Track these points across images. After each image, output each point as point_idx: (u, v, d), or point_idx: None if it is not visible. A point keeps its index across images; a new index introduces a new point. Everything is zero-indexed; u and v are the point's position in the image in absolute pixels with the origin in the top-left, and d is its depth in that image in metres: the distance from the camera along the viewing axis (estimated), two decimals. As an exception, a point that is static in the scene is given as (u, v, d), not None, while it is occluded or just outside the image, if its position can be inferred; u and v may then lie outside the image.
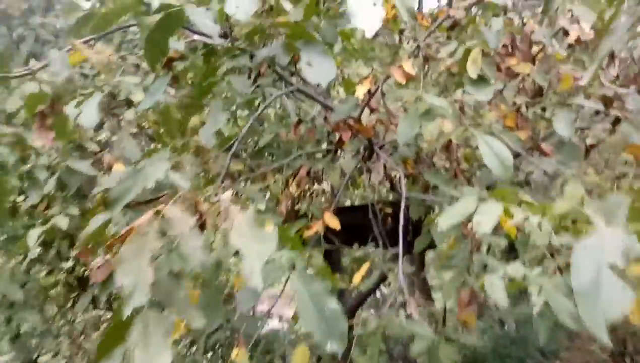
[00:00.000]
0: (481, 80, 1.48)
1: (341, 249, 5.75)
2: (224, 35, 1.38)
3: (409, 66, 1.49)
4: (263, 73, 1.59)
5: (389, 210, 3.01)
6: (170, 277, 0.95)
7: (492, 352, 6.35)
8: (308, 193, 2.53)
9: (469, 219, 1.37)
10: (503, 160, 1.37)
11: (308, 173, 2.53)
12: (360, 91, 1.57)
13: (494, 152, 1.39)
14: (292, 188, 2.57)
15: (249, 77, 1.69)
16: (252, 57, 1.36)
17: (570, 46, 2.06)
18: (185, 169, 1.39)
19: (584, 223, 1.20)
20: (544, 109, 2.11)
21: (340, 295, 5.40)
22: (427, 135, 1.83)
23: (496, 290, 1.21)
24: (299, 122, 2.05)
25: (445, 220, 1.37)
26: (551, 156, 2.35)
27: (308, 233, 2.12)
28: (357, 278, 1.94)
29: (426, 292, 7.56)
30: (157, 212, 0.93)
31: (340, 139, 2.30)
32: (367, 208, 2.91)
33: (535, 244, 1.46)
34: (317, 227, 2.11)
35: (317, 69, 1.23)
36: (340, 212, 3.29)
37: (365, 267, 1.98)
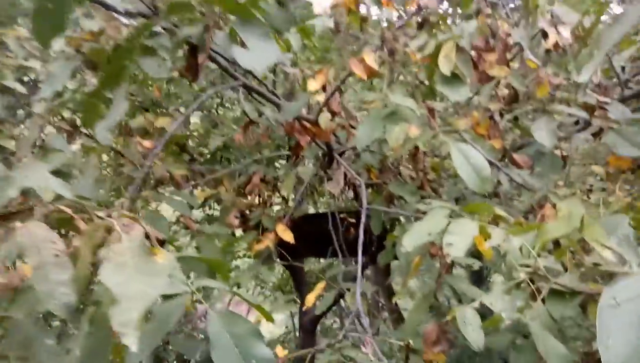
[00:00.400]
0: (455, 78, 1.26)
1: (305, 260, 5.50)
2: (148, 11, 1.11)
3: (371, 60, 1.25)
4: (201, 63, 1.32)
5: (352, 219, 2.78)
6: (31, 321, 0.67)
7: (456, 361, 6.19)
8: (261, 202, 2.27)
9: (439, 238, 1.14)
10: (479, 171, 1.15)
11: (262, 180, 2.27)
12: (313, 86, 1.33)
13: (470, 162, 1.17)
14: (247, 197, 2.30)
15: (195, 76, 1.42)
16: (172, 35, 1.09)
17: (547, 51, 1.87)
18: (88, 172, 1.10)
19: (576, 246, 0.98)
20: (516, 118, 1.92)
21: (302, 305, 5.15)
22: (391, 142, 1.60)
23: (470, 328, 0.97)
24: (249, 123, 1.79)
25: (409, 240, 1.14)
26: (525, 167, 2.16)
27: (258, 247, 1.85)
28: (309, 299, 1.68)
29: (391, 302, 7.36)
30: (11, 230, 0.65)
31: (297, 144, 2.05)
32: (334, 216, 2.68)
33: (514, 268, 1.24)
34: (268, 241, 1.84)
35: (254, 52, 0.97)
36: (306, 220, 3.04)
37: (320, 286, 1.73)
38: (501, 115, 1.75)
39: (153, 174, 2.29)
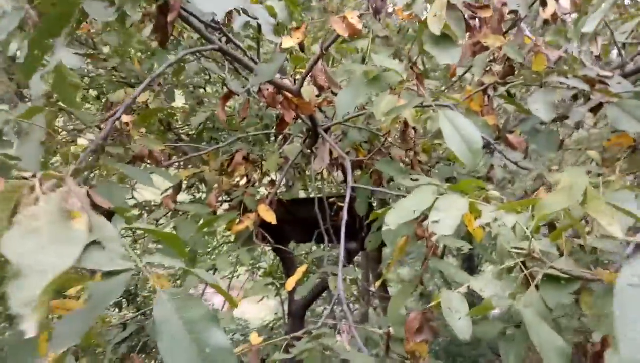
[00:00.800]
0: (445, 39, 1.14)
1: (295, 245, 5.39)
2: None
3: (354, 18, 1.13)
4: (171, 22, 1.19)
5: (342, 203, 2.67)
6: None
7: (443, 350, 6.15)
8: (246, 182, 2.15)
9: (425, 217, 1.04)
10: (470, 143, 1.03)
11: (246, 158, 2.15)
12: (288, 43, 1.20)
13: (460, 133, 1.05)
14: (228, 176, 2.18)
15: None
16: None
17: (545, 22, 1.75)
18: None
19: (578, 223, 0.87)
20: (510, 94, 1.81)
21: (293, 291, 5.06)
22: (378, 114, 1.49)
23: (457, 315, 0.86)
24: (228, 94, 1.66)
25: (393, 217, 1.02)
26: (519, 149, 2.05)
27: (238, 228, 1.74)
28: (290, 282, 1.57)
29: (383, 287, 7.30)
30: None
31: (282, 119, 1.92)
32: (322, 200, 2.58)
33: (504, 250, 1.14)
34: (248, 221, 1.73)
35: (215, -4, 0.85)
36: (295, 203, 2.92)
37: (302, 269, 1.62)
38: (495, 89, 1.63)
39: (131, 150, 2.17)
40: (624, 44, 2.01)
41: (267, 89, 1.59)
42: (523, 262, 1.16)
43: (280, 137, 2.70)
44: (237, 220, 1.74)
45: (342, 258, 1.38)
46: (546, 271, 0.98)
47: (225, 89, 2.32)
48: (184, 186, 2.76)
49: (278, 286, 5.79)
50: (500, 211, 0.96)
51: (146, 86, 2.71)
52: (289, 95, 1.56)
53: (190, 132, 3.36)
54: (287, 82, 1.53)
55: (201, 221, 1.85)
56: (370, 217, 1.18)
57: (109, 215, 0.80)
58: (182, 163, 2.96)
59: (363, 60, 1.19)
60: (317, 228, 2.59)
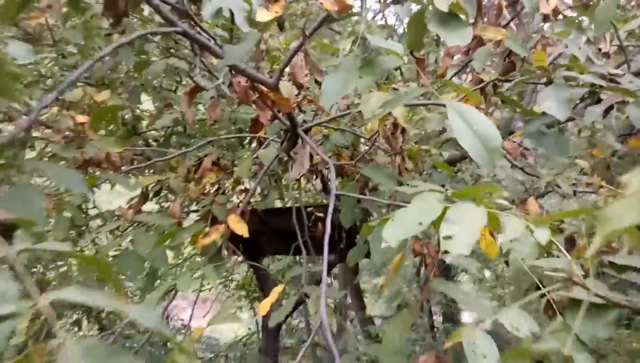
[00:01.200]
0: (453, 17, 0.94)
1: (270, 257, 5.12)
2: None
3: (345, -11, 0.92)
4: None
5: (321, 214, 2.45)
6: None
7: None
8: (214, 190, 1.90)
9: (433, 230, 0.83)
10: (486, 140, 0.83)
11: (215, 164, 1.90)
12: (264, 17, 0.98)
13: (473, 128, 0.84)
14: (196, 183, 1.93)
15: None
16: None
17: (545, 18, 1.58)
18: None
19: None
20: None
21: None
22: (367, 113, 1.28)
23: (484, 361, 0.65)
24: (195, 90, 1.43)
25: (392, 231, 0.81)
26: (513, 156, 1.87)
27: (204, 241, 1.49)
28: (264, 306, 1.33)
29: (360, 299, 7.10)
30: None
31: (256, 120, 1.70)
32: (300, 210, 2.36)
33: (520, 271, 0.93)
34: (216, 234, 1.48)
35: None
36: (270, 214, 2.68)
37: (278, 290, 1.39)
38: (495, 88, 1.45)
39: (84, 153, 1.89)
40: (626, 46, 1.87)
41: (239, 82, 1.36)
42: (539, 286, 0.96)
43: (255, 142, 2.46)
44: (204, 233, 1.50)
45: (325, 278, 1.15)
46: (583, 298, 0.78)
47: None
48: (150, 194, 2.50)
49: (251, 299, 5.50)
50: (530, 224, 0.75)
51: (105, 85, 2.44)
52: (265, 89, 1.34)
53: (159, 137, 3.09)
54: (262, 75, 1.30)
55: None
56: (361, 231, 0.95)
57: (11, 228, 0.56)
58: (147, 169, 2.71)
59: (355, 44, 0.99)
60: (293, 240, 2.36)
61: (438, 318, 6.40)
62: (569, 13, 1.58)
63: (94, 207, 3.39)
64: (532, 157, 2.56)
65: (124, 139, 2.88)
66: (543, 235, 0.73)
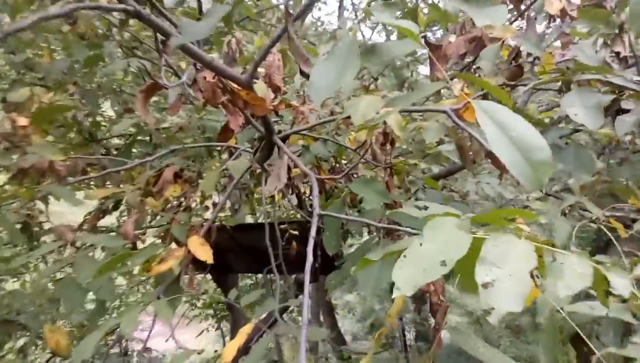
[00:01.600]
0: (480, -7, 0.73)
1: (240, 275, 4.81)
2: None
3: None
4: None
5: (295, 231, 2.22)
6: None
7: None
8: (174, 205, 1.63)
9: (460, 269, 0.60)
10: (528, 152, 0.61)
11: (178, 176, 1.63)
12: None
13: (509, 135, 0.62)
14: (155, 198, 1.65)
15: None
16: None
17: (550, 18, 1.41)
18: None
19: None
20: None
21: (234, 326, 4.43)
22: (357, 119, 1.05)
23: None
24: (153, 86, 1.17)
25: (406, 274, 0.58)
26: (505, 173, 1.68)
27: (158, 269, 1.22)
28: (228, 351, 1.07)
29: (332, 316, 6.83)
30: None
31: (226, 127, 1.45)
32: (273, 227, 2.12)
33: (556, 320, 0.72)
34: (172, 260, 1.21)
35: None
36: (239, 230, 2.42)
37: (245, 330, 1.13)
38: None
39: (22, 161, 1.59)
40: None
41: (205, 79, 1.11)
42: (573, 341, 0.75)
43: (225, 151, 2.20)
44: (159, 258, 1.22)
45: (307, 319, 0.90)
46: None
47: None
48: (110, 207, 2.20)
49: (219, 318, 5.15)
50: (601, 269, 0.53)
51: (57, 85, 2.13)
52: (236, 88, 1.09)
53: (121, 145, 2.78)
54: (233, 70, 1.06)
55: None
56: (359, 265, 0.72)
57: None
58: (106, 181, 2.40)
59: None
60: (265, 258, 2.13)
61: (410, 336, 6.20)
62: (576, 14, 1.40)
63: (47, 220, 3.05)
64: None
65: (80, 146, 2.57)
66: (623, 284, 0.51)
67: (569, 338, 0.75)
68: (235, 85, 1.10)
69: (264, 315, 1.36)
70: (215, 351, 5.56)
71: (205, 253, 1.25)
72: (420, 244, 0.62)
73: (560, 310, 0.74)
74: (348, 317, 7.07)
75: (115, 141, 2.90)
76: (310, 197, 2.19)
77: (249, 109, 1.11)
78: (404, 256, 0.61)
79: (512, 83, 1.20)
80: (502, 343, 4.99)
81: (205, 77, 1.09)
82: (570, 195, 1.23)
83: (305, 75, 0.87)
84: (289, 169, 1.32)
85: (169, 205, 1.71)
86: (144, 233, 1.82)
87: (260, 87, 1.26)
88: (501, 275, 0.53)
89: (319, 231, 1.45)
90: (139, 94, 1.19)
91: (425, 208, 0.78)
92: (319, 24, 4.84)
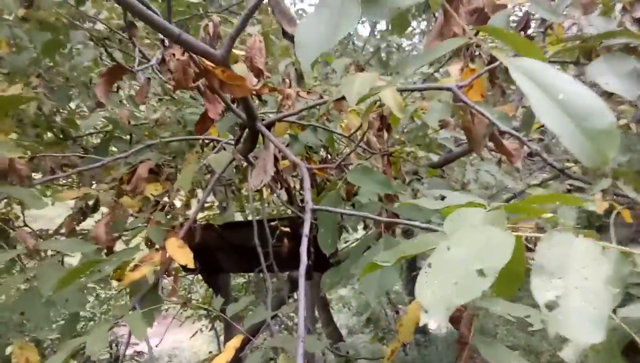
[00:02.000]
0: None
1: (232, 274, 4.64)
2: None
3: None
4: None
5: (286, 228, 2.06)
6: None
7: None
8: (151, 205, 1.45)
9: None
10: (584, 118, 0.46)
11: (155, 172, 1.46)
12: None
13: (558, 99, 0.47)
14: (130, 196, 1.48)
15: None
16: None
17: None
18: None
19: None
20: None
21: (228, 326, 4.27)
22: (351, 98, 0.90)
23: None
24: (114, 70, 1.00)
25: (434, 292, 0.42)
26: (515, 159, 1.53)
27: (132, 277, 1.05)
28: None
29: (327, 311, 6.71)
30: None
31: (204, 115, 1.28)
32: (262, 225, 1.98)
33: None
34: (147, 267, 1.04)
35: None
36: (228, 228, 2.29)
37: (233, 344, 0.98)
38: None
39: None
40: None
41: (174, 55, 0.95)
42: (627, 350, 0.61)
43: (209, 145, 2.03)
44: (132, 265, 1.06)
45: (303, 331, 0.75)
46: None
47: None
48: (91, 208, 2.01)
49: (212, 318, 4.98)
50: None
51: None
52: (210, 66, 0.93)
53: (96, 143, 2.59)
54: (205, 45, 0.89)
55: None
56: (365, 269, 0.57)
57: None
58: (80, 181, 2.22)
59: None
60: (255, 256, 2.00)
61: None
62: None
63: (25, 225, 2.85)
64: (521, 161, 2.25)
65: (53, 145, 2.38)
66: None
67: (620, 348, 0.61)
68: (209, 63, 0.93)
69: (255, 321, 1.20)
70: (210, 352, 5.40)
71: (184, 257, 1.08)
72: (448, 248, 0.46)
73: (613, 315, 0.60)
74: (343, 311, 6.94)
75: (96, 140, 2.71)
76: (302, 192, 2.04)
77: (227, 90, 0.94)
78: (429, 265, 0.45)
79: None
80: (498, 332, 4.90)
81: (174, 54, 0.92)
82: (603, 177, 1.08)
83: (290, 37, 0.71)
84: (276, 160, 1.15)
85: (151, 204, 1.54)
86: (119, 237, 1.65)
87: (240, 68, 1.10)
88: (567, 290, 0.38)
89: (312, 228, 1.29)
90: (100, 79, 1.02)
91: (442, 198, 0.63)
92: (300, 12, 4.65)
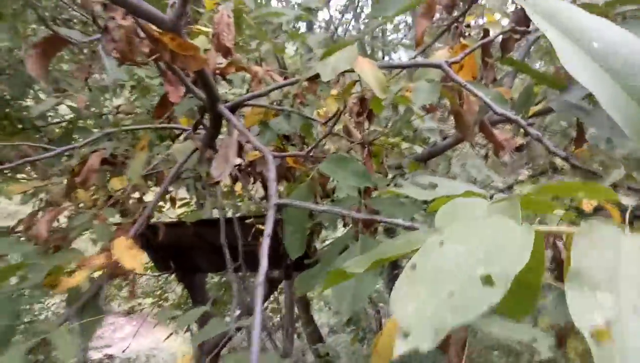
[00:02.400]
0: None
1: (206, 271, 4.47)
2: None
3: None
4: None
5: (263, 225, 1.93)
6: None
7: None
8: (103, 200, 1.30)
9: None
10: (632, 75, 0.34)
11: (109, 163, 1.31)
12: None
13: (592, 47, 0.35)
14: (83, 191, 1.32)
15: None
16: None
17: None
18: None
19: None
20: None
21: (203, 324, 4.11)
22: (326, 74, 0.77)
23: None
24: (50, 42, 0.84)
25: (417, 304, 0.29)
26: (508, 148, 1.41)
27: (68, 284, 0.89)
28: None
29: (307, 312, 6.56)
30: None
31: (164, 98, 1.13)
32: (231, 221, 1.88)
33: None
34: (84, 272, 0.89)
35: None
36: (204, 225, 2.18)
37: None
38: (505, 45, 0.98)
39: None
40: None
41: (117, 21, 0.80)
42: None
43: (183, 135, 1.88)
44: (68, 270, 0.90)
45: (257, 346, 0.61)
46: None
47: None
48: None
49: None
50: None
51: None
52: (157, 32, 0.78)
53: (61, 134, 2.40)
54: (150, 7, 0.75)
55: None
56: (330, 279, 0.43)
57: None
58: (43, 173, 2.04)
59: None
60: (232, 255, 1.88)
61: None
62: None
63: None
64: (509, 154, 2.17)
65: (12, 135, 2.19)
66: None
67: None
68: (157, 30, 0.78)
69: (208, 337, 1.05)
70: (183, 356, 5.20)
71: (132, 260, 0.93)
72: (441, 243, 0.33)
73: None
74: (324, 310, 6.79)
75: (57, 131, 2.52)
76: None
77: (179, 62, 0.80)
78: (413, 267, 0.31)
79: (522, 29, 0.93)
80: (478, 333, 4.81)
81: (113, 17, 0.77)
82: (615, 168, 0.98)
83: None
84: (241, 149, 1.01)
85: (94, 198, 1.38)
86: (76, 237, 1.48)
87: (200, 40, 0.95)
88: (621, 310, 0.25)
89: (278, 225, 1.16)
90: (31, 50, 0.86)
91: (434, 186, 0.50)
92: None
